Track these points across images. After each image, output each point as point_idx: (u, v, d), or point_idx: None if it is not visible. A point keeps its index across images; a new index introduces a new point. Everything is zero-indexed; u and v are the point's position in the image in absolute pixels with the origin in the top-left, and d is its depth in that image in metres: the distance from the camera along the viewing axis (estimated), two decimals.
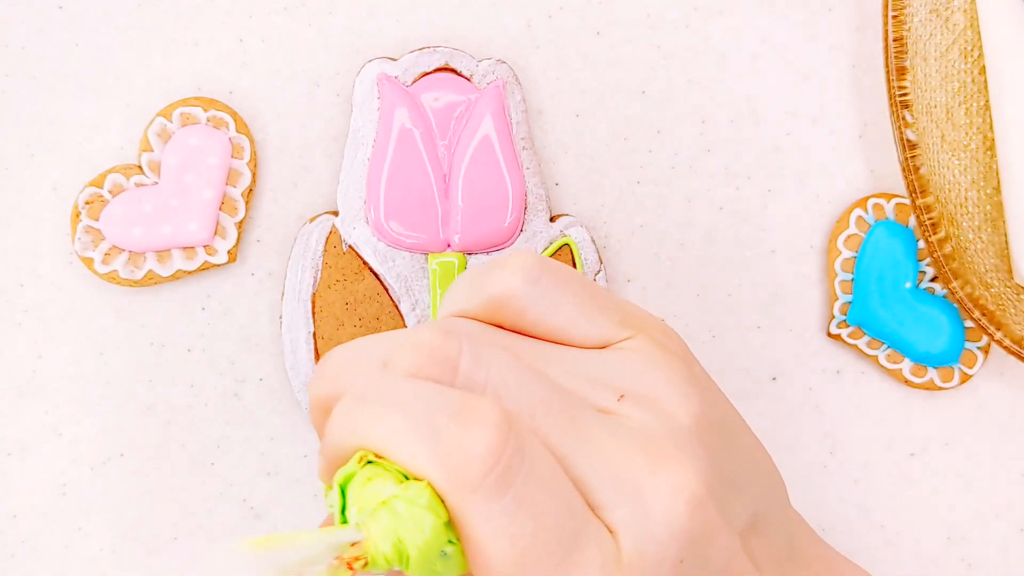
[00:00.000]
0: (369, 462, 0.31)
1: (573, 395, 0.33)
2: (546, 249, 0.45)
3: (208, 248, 0.46)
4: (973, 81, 0.45)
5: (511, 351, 0.34)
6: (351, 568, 0.30)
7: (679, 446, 0.33)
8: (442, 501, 0.31)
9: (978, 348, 0.46)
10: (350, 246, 0.45)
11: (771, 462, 0.38)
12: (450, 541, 0.31)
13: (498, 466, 0.30)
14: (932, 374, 0.46)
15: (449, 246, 0.45)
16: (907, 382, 0.46)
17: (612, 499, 0.32)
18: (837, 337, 0.47)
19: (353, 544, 0.30)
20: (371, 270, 0.45)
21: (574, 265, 0.45)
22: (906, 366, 0.46)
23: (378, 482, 0.30)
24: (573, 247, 0.46)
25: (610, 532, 0.32)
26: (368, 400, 0.31)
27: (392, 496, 0.30)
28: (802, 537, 0.39)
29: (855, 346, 0.46)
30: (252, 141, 0.46)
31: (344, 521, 0.31)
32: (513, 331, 0.35)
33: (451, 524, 0.31)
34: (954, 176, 0.45)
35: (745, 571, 0.35)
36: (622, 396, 0.34)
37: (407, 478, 0.30)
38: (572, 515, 0.31)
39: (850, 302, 0.46)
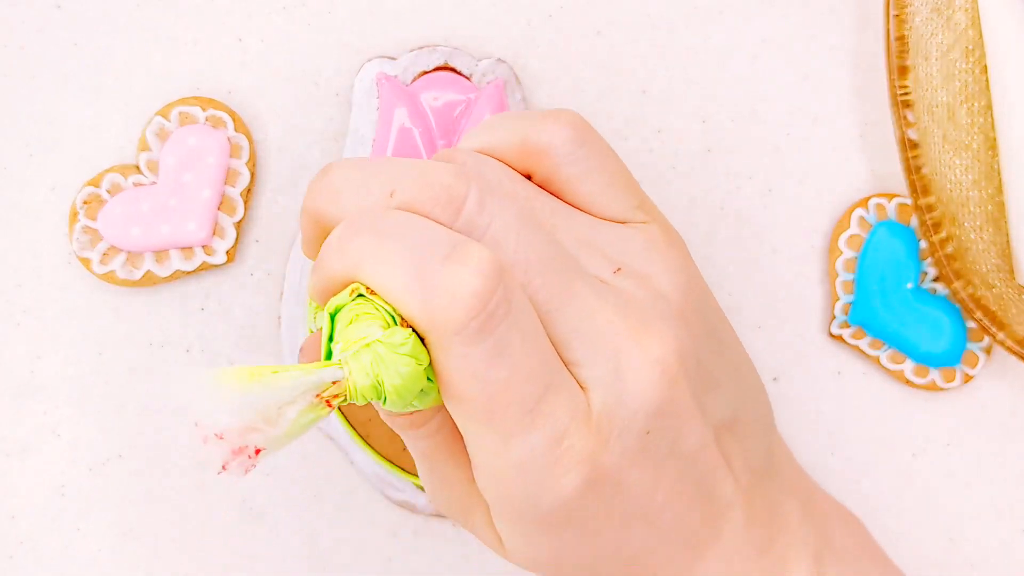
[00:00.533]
0: (360, 295, 0.32)
1: (572, 258, 0.34)
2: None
3: (207, 248, 0.46)
4: (975, 80, 0.45)
5: (525, 202, 0.35)
6: (330, 405, 0.31)
7: (663, 319, 0.34)
8: (423, 342, 0.31)
9: (980, 349, 0.46)
10: None
11: (757, 377, 0.39)
12: (428, 379, 0.32)
13: (483, 312, 0.31)
14: (934, 375, 0.46)
15: None
16: (909, 383, 0.46)
17: (588, 357, 0.33)
18: (838, 338, 0.46)
19: (334, 382, 0.31)
20: None
21: None
22: (908, 367, 0.46)
23: (365, 322, 0.31)
24: None
25: (582, 388, 0.33)
26: (365, 230, 0.32)
27: (376, 340, 0.31)
28: (783, 460, 0.40)
29: (857, 347, 0.46)
30: (251, 141, 0.46)
31: (329, 348, 0.32)
32: (538, 184, 0.36)
33: (430, 364, 0.32)
34: (956, 176, 0.45)
35: (715, 466, 0.36)
36: (618, 269, 0.35)
37: (395, 320, 0.31)
38: (546, 368, 0.32)
39: (852, 302, 0.46)
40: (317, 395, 0.31)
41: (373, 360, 0.31)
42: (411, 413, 0.34)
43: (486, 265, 0.31)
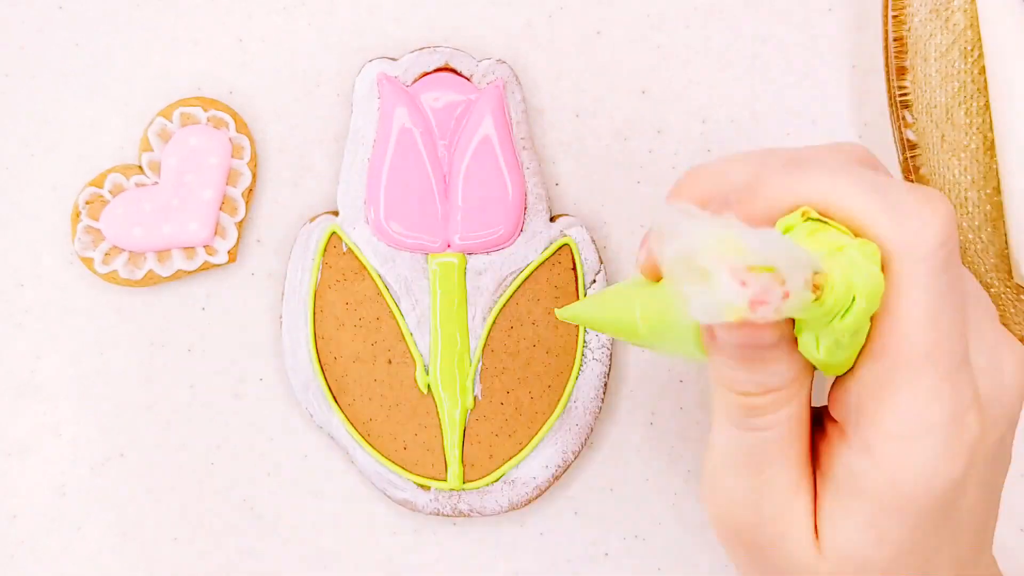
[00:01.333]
0: (811, 219, 0.30)
1: None
2: (546, 249, 0.45)
3: (208, 248, 0.46)
4: (973, 81, 0.45)
5: None
6: (816, 290, 0.29)
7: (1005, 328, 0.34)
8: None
9: None
10: (350, 246, 0.45)
11: None
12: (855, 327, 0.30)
13: (949, 242, 0.30)
14: None
15: (449, 246, 0.45)
16: None
17: (977, 347, 0.32)
18: None
19: (816, 273, 0.29)
20: (371, 270, 0.45)
21: (574, 265, 0.45)
22: None
23: (828, 233, 0.30)
24: (573, 247, 0.46)
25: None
26: (816, 163, 0.31)
27: (848, 245, 0.30)
28: None
29: None
30: (252, 141, 0.46)
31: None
32: None
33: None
34: (954, 176, 0.45)
35: (997, 496, 0.35)
36: None
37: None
38: (964, 332, 0.31)
39: None
40: (811, 274, 0.29)
41: (848, 263, 0.30)
42: (766, 391, 0.32)
43: (947, 205, 0.31)
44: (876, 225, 0.30)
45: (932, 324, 0.30)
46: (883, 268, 0.30)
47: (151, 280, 0.46)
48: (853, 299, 0.30)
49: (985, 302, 0.34)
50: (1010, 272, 0.45)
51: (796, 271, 0.28)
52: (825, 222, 0.31)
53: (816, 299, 0.29)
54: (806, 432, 0.33)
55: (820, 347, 0.31)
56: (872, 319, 0.31)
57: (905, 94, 0.45)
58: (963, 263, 0.45)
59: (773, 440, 0.33)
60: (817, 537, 0.33)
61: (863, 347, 0.31)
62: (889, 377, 0.31)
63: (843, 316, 0.30)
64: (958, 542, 0.34)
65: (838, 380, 0.33)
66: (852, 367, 0.32)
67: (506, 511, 0.46)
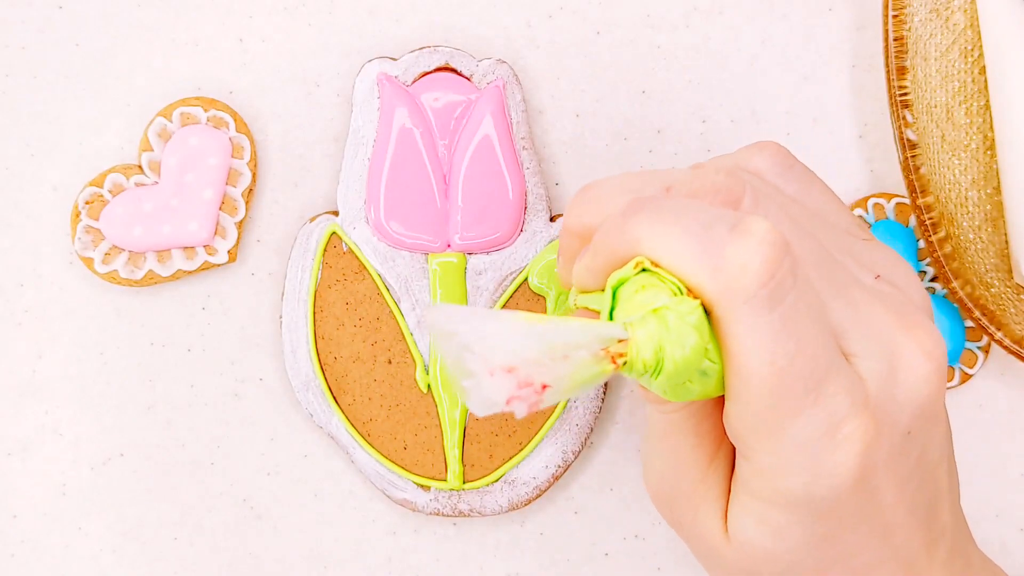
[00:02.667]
0: (644, 270, 0.31)
1: (837, 259, 0.34)
2: (546, 249, 0.45)
3: (208, 248, 0.46)
4: (973, 81, 0.45)
5: (789, 206, 0.35)
6: (614, 362, 0.30)
7: (927, 318, 0.34)
8: (709, 320, 0.31)
9: (978, 348, 0.46)
10: (350, 246, 0.45)
11: None
12: (711, 360, 0.31)
13: (772, 280, 0.30)
14: None
15: (449, 246, 0.45)
16: None
17: (865, 349, 0.33)
18: None
19: (620, 341, 0.30)
20: (371, 270, 0.45)
21: None
22: None
23: (651, 291, 0.31)
24: None
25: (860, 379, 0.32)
26: (649, 208, 0.32)
27: (664, 306, 0.30)
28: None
29: None
30: (252, 141, 0.46)
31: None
32: None
33: (714, 341, 0.31)
34: (954, 176, 0.45)
35: (942, 486, 0.35)
36: (878, 276, 0.35)
37: (682, 292, 0.31)
38: (828, 349, 0.32)
39: None
40: (604, 348, 0.30)
41: (659, 326, 0.30)
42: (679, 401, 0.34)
43: (772, 235, 0.31)
44: (695, 276, 0.31)
45: (768, 364, 0.31)
46: (712, 316, 0.31)
47: (151, 280, 0.46)
48: (659, 362, 0.31)
49: (881, 303, 0.34)
50: (1010, 272, 0.45)
51: (576, 350, 0.29)
52: (656, 273, 0.31)
53: (621, 367, 0.30)
54: (717, 417, 0.35)
55: (668, 392, 0.32)
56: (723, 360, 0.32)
57: (905, 94, 0.45)
58: (963, 263, 0.45)
59: (680, 421, 0.35)
60: (727, 523, 0.35)
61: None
62: (745, 414, 0.32)
63: (655, 376, 0.31)
64: (888, 538, 0.34)
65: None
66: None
67: (506, 511, 0.46)
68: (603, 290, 0.33)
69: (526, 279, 0.45)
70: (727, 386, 0.32)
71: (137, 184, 0.46)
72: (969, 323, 0.46)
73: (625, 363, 0.30)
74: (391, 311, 0.45)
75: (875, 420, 0.32)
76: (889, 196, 0.46)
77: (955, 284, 0.45)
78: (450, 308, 0.30)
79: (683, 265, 0.31)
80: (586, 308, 0.34)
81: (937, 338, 0.33)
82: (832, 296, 0.33)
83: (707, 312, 0.31)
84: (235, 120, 0.46)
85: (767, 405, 0.31)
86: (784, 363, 0.31)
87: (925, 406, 0.33)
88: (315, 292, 0.45)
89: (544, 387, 0.29)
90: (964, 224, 0.45)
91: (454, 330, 0.29)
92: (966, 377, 0.46)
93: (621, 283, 0.32)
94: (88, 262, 0.45)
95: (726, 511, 0.35)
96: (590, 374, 0.30)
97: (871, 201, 0.46)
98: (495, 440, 0.45)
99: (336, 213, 0.46)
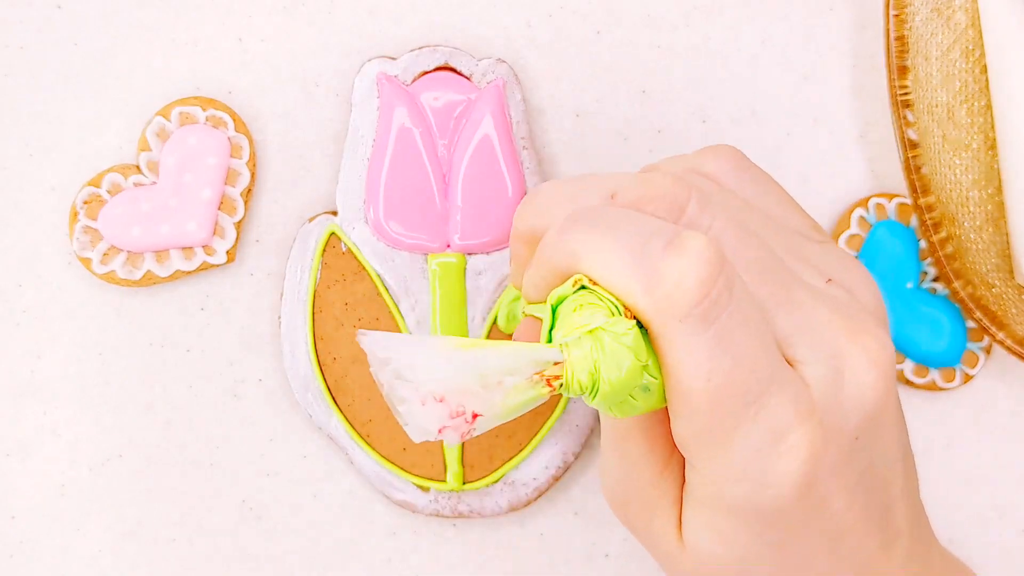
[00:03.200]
0: (583, 287, 0.31)
1: (786, 264, 0.34)
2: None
3: (207, 248, 0.46)
4: (975, 80, 0.45)
5: (737, 211, 0.35)
6: (550, 384, 0.30)
7: (876, 323, 0.34)
8: (645, 341, 0.31)
9: (980, 348, 0.46)
10: (349, 246, 0.45)
11: None
12: (652, 376, 0.31)
13: (706, 299, 0.30)
14: (934, 375, 0.46)
15: (449, 246, 0.45)
16: (908, 383, 0.46)
17: (810, 355, 0.33)
18: None
19: (556, 363, 0.30)
20: (370, 270, 0.45)
21: None
22: (907, 366, 0.46)
23: (589, 310, 0.31)
24: None
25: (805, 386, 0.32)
26: (584, 221, 0.32)
27: (599, 327, 0.30)
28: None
29: None
30: (251, 141, 0.46)
31: (550, 341, 0.31)
32: None
33: (654, 357, 0.31)
34: (956, 176, 0.45)
35: (896, 489, 0.35)
36: (829, 280, 0.35)
37: (619, 312, 0.31)
38: (769, 360, 0.32)
39: None
40: (538, 372, 0.30)
41: (594, 347, 0.30)
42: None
43: (708, 252, 0.31)
44: (630, 294, 0.31)
45: (705, 380, 0.31)
46: (649, 333, 0.31)
47: (150, 280, 0.46)
48: (595, 383, 0.31)
49: (829, 308, 0.33)
50: (1012, 272, 0.45)
51: (509, 376, 0.30)
52: (594, 291, 0.31)
53: (558, 389, 0.30)
54: (668, 425, 0.34)
55: (612, 409, 0.32)
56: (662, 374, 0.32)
57: (906, 93, 0.45)
58: (964, 263, 0.45)
59: (631, 428, 0.35)
60: (681, 528, 0.35)
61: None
62: (687, 427, 0.32)
63: (592, 397, 0.31)
64: (841, 543, 0.34)
65: None
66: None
67: (506, 512, 0.46)
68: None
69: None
70: (668, 401, 0.32)
71: (135, 184, 0.46)
72: (971, 324, 0.46)
73: (561, 385, 0.31)
74: (390, 311, 0.45)
75: (821, 427, 0.32)
76: (890, 196, 0.46)
77: (956, 284, 0.45)
78: (384, 335, 0.30)
79: (618, 283, 0.31)
80: (533, 316, 0.34)
81: (883, 343, 0.33)
82: (777, 303, 0.33)
83: (645, 328, 0.31)
84: (234, 120, 0.46)
85: (707, 420, 0.31)
86: (721, 379, 0.31)
87: (871, 412, 0.33)
88: (314, 292, 0.45)
89: (475, 416, 0.30)
90: (966, 224, 0.45)
91: (387, 357, 0.30)
92: (968, 378, 0.46)
93: (560, 300, 0.32)
94: (86, 262, 0.45)
95: (680, 517, 0.35)
96: (526, 398, 0.30)
97: (872, 201, 0.46)
98: (495, 441, 0.45)
99: (335, 213, 0.46)
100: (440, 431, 0.29)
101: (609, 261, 0.31)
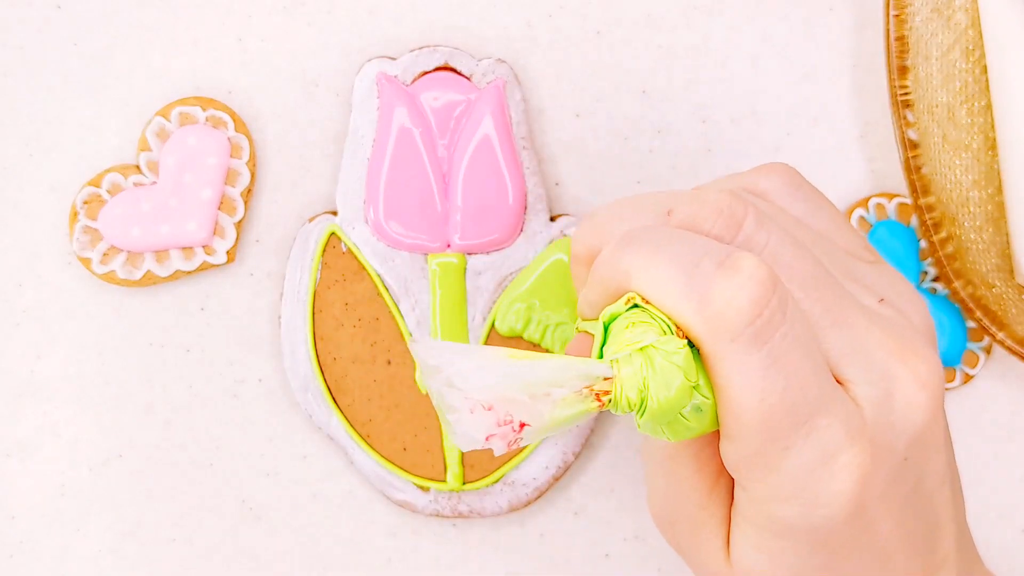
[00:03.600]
0: (635, 306, 0.31)
1: (840, 283, 0.34)
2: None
3: (207, 248, 0.46)
4: (975, 80, 0.45)
5: (793, 228, 0.35)
6: (599, 399, 0.30)
7: (926, 344, 0.34)
8: (697, 362, 0.31)
9: (980, 349, 0.46)
10: (349, 246, 0.45)
11: None
12: (704, 396, 0.31)
13: (759, 318, 0.30)
14: None
15: (449, 246, 0.45)
16: None
17: (859, 376, 0.33)
18: None
19: (606, 379, 0.30)
20: (370, 270, 0.45)
21: None
22: None
23: (640, 328, 0.31)
24: None
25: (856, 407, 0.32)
26: (638, 240, 0.32)
27: (650, 345, 0.31)
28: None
29: None
30: (251, 141, 0.46)
31: (601, 356, 0.31)
32: None
33: (706, 378, 0.31)
34: (956, 176, 0.45)
35: (943, 513, 0.35)
36: (882, 299, 0.35)
37: (671, 330, 0.31)
38: (820, 380, 0.32)
39: None
40: (588, 386, 0.30)
41: (644, 364, 0.30)
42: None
43: (760, 271, 0.31)
44: (682, 313, 0.31)
45: (758, 401, 0.31)
46: (701, 353, 0.31)
47: (149, 280, 0.46)
48: (644, 401, 0.31)
49: (880, 328, 0.33)
50: (1012, 272, 0.45)
51: (557, 388, 0.30)
52: (647, 310, 0.31)
53: (607, 404, 0.31)
54: (716, 445, 0.35)
55: (665, 432, 0.32)
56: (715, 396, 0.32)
57: (907, 93, 0.45)
58: (965, 264, 0.45)
59: (680, 448, 0.35)
60: (729, 548, 0.35)
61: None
62: (738, 448, 0.32)
63: (640, 415, 0.31)
64: (887, 566, 0.34)
65: None
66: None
67: (506, 512, 0.46)
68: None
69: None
70: (720, 422, 0.32)
71: (135, 184, 0.46)
72: (971, 324, 0.46)
73: (610, 401, 0.31)
74: (390, 311, 0.45)
75: (871, 447, 0.32)
76: (891, 196, 0.46)
77: (957, 284, 0.45)
78: (435, 342, 0.31)
79: (670, 302, 0.31)
80: (586, 332, 0.34)
81: (933, 366, 0.33)
82: (829, 322, 0.33)
83: (698, 348, 0.31)
84: (234, 120, 0.46)
85: (759, 440, 0.31)
86: (774, 400, 0.31)
87: (920, 433, 0.33)
88: (314, 292, 0.45)
89: (522, 425, 0.30)
90: (966, 224, 0.45)
91: (438, 364, 0.30)
92: (968, 378, 0.46)
93: (613, 318, 0.32)
94: (86, 262, 0.45)
95: (728, 537, 0.35)
96: (574, 411, 0.30)
97: (873, 201, 0.46)
98: None
99: (335, 213, 0.46)
100: (487, 439, 0.30)
101: (661, 280, 0.31)
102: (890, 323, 0.34)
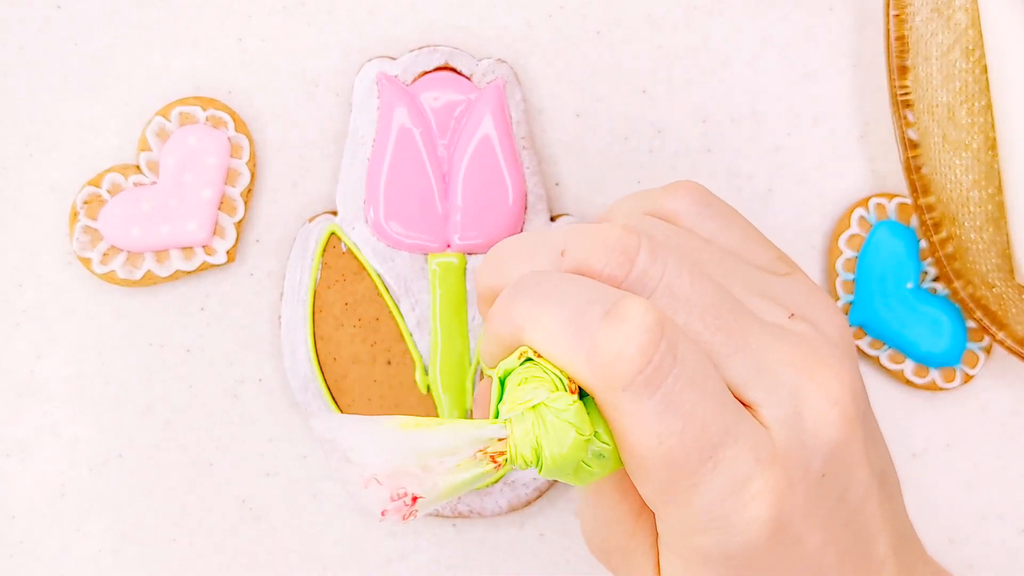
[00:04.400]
0: (528, 359, 0.32)
1: (743, 305, 0.34)
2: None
3: (207, 248, 0.46)
4: (975, 80, 0.45)
5: (692, 252, 0.35)
6: (494, 461, 0.31)
7: (839, 361, 0.33)
8: (592, 411, 0.31)
9: (980, 348, 0.46)
10: (349, 246, 0.45)
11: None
12: (603, 442, 0.32)
13: (648, 365, 0.30)
14: (934, 375, 0.46)
15: (449, 246, 0.45)
16: (909, 383, 0.46)
17: (768, 398, 0.32)
18: None
19: (500, 440, 0.31)
20: (370, 270, 0.45)
21: None
22: (908, 367, 0.46)
23: (532, 384, 0.31)
24: None
25: (765, 429, 0.32)
26: (524, 293, 0.32)
27: (541, 403, 0.31)
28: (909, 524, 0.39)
29: (856, 347, 0.46)
30: (251, 141, 0.46)
31: (497, 411, 0.32)
32: None
33: (604, 424, 0.31)
34: (956, 176, 0.45)
35: (874, 521, 0.35)
36: (792, 315, 0.34)
37: (563, 384, 0.31)
38: (723, 412, 0.31)
39: (852, 302, 0.46)
40: (480, 450, 0.30)
41: (536, 423, 0.31)
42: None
43: (647, 318, 0.30)
44: (572, 366, 0.31)
45: (657, 444, 0.31)
46: (596, 402, 0.31)
47: (149, 280, 0.46)
48: (539, 458, 0.31)
49: (789, 345, 0.33)
50: (1012, 272, 0.45)
51: (450, 456, 0.30)
52: (539, 364, 0.31)
53: (502, 464, 0.31)
54: None
55: (568, 478, 0.32)
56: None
57: (907, 93, 0.45)
58: (965, 263, 0.45)
59: (602, 480, 0.35)
60: (659, 574, 0.35)
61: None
62: (646, 487, 0.32)
63: (540, 470, 0.31)
64: None
65: None
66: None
67: (506, 512, 0.46)
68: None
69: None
70: (625, 464, 0.32)
71: (135, 184, 0.46)
72: (971, 323, 0.46)
73: (506, 460, 0.31)
74: (390, 311, 0.45)
75: (785, 470, 0.32)
76: (891, 196, 0.46)
77: (957, 284, 0.45)
78: (332, 416, 0.31)
79: (560, 355, 0.31)
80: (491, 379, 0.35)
81: (843, 379, 0.33)
82: (732, 349, 0.33)
83: (592, 399, 0.32)
84: (234, 120, 0.46)
85: (665, 480, 0.31)
86: (673, 442, 0.31)
87: (836, 449, 0.33)
88: (314, 292, 0.45)
89: (415, 499, 0.30)
90: (966, 224, 0.45)
91: (334, 439, 0.30)
92: (968, 378, 0.46)
93: (507, 373, 0.32)
94: (86, 262, 0.45)
95: (658, 562, 0.35)
96: (471, 475, 0.30)
97: (873, 201, 0.46)
98: None
99: (335, 213, 0.46)
100: (383, 514, 0.30)
101: (550, 334, 0.31)
102: (800, 338, 0.33)
